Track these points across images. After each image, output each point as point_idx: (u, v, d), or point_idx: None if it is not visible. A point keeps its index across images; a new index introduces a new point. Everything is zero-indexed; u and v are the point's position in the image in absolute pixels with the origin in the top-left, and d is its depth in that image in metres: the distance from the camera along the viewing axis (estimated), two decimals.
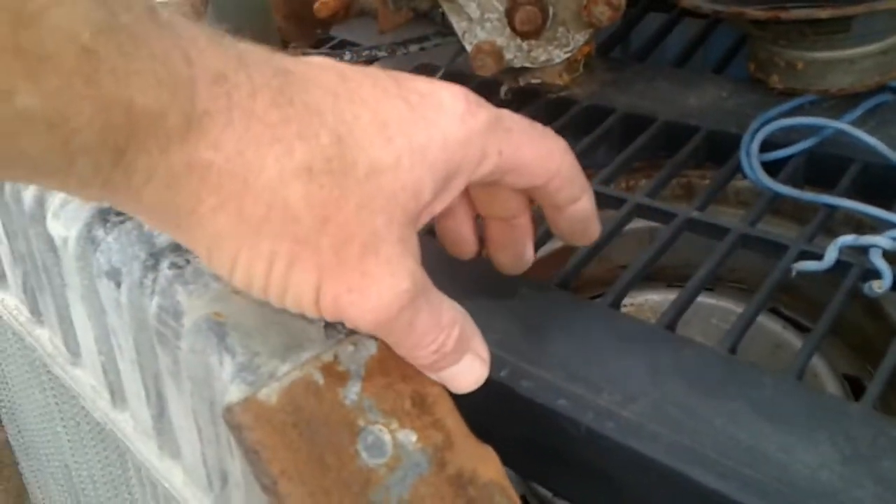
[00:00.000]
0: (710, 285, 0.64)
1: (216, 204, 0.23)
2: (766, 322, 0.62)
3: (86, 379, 0.37)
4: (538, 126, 0.29)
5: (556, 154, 0.29)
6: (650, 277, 0.65)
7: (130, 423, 0.34)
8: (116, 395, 0.35)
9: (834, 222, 0.50)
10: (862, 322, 0.55)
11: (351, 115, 0.24)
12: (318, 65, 0.25)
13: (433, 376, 0.27)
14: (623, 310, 0.67)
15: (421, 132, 0.25)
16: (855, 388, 0.57)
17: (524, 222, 0.32)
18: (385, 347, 0.27)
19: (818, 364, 0.58)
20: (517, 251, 0.33)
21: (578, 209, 0.31)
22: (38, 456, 0.67)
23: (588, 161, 0.52)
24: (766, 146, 0.44)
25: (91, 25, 0.19)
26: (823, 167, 0.43)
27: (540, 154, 0.28)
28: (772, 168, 0.43)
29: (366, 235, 0.24)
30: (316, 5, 0.52)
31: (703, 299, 0.64)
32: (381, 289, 0.24)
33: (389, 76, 0.26)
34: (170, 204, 0.23)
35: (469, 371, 0.28)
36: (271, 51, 0.25)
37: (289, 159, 0.23)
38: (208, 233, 0.23)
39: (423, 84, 0.26)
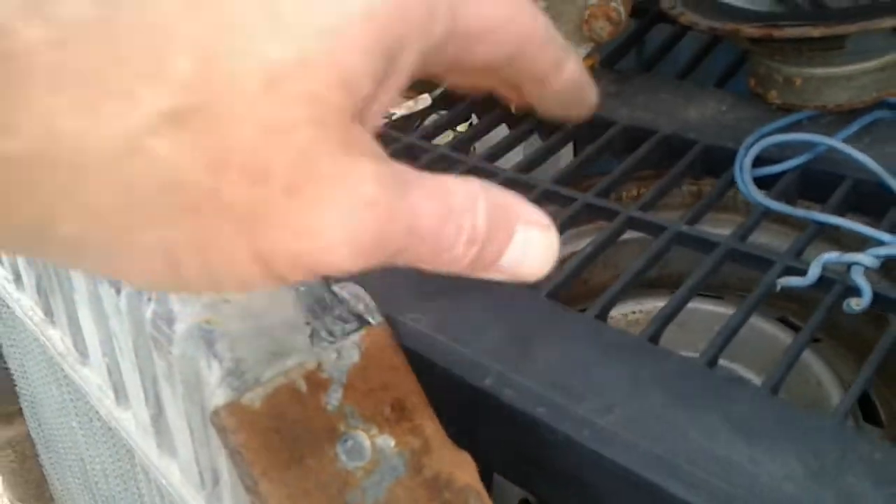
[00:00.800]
0: (719, 294, 0.65)
1: (51, 210, 0.16)
2: (775, 331, 0.62)
3: (93, 378, 0.39)
4: None
5: (526, 12, 0.23)
6: (657, 285, 0.66)
7: (133, 422, 0.36)
8: (120, 394, 0.36)
9: (841, 236, 0.51)
10: (870, 333, 0.55)
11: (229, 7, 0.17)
12: None
13: (497, 277, 0.22)
14: (632, 317, 0.68)
15: (332, 6, 0.18)
16: (862, 401, 0.57)
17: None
18: (368, 355, 0.29)
19: (823, 375, 0.59)
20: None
21: (566, 76, 0.25)
22: (56, 449, 0.69)
23: (589, 173, 0.53)
24: (762, 161, 0.45)
25: None
26: (816, 183, 0.44)
27: (505, 13, 0.22)
28: (768, 182, 0.44)
29: (287, 163, 0.17)
30: None
31: (712, 308, 0.65)
32: (338, 212, 0.18)
33: None
34: None
35: (531, 249, 0.22)
36: None
37: (135, 113, 0.16)
38: (68, 248, 0.17)
39: None
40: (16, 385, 0.75)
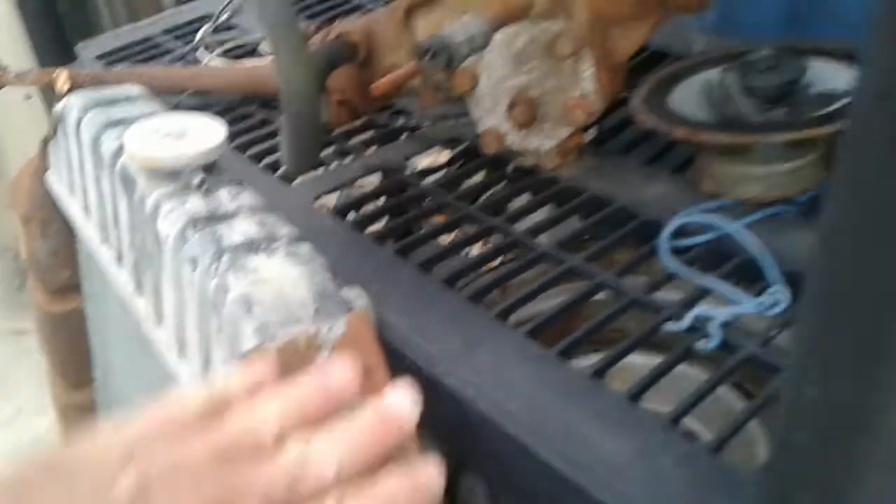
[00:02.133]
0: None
1: None
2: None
3: (164, 336, 0.54)
4: None
5: None
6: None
7: (187, 370, 0.51)
8: (181, 348, 0.52)
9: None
10: None
11: None
12: None
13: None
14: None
15: None
16: None
17: None
18: (351, 331, 0.43)
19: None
20: None
21: None
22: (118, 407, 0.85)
23: (556, 232, 0.67)
24: (686, 234, 0.58)
25: None
26: (717, 255, 0.57)
27: None
28: (686, 251, 0.57)
29: None
30: (373, 85, 0.69)
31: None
32: None
33: None
34: None
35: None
36: None
37: None
38: None
39: None
40: (94, 355, 0.92)
